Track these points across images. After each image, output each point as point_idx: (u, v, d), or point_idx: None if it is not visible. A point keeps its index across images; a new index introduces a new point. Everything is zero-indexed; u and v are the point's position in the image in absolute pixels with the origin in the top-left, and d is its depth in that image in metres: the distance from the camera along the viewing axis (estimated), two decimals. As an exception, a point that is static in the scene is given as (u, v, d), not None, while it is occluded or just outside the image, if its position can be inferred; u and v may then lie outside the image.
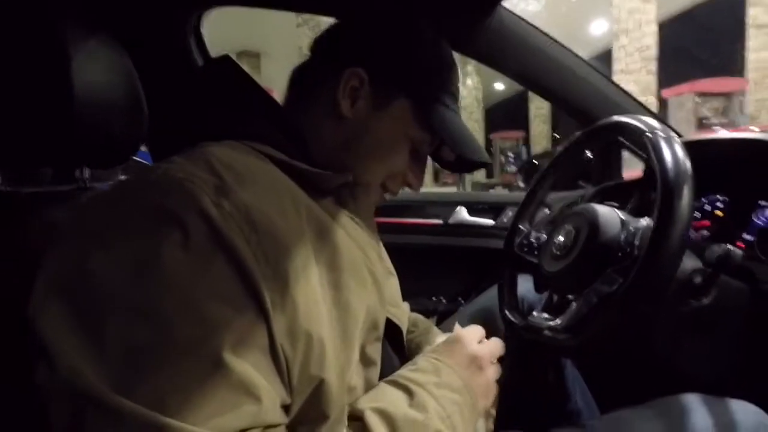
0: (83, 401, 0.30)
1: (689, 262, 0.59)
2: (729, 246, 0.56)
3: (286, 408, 0.38)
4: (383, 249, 0.70)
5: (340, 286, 0.43)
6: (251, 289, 0.35)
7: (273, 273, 0.37)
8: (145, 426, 0.30)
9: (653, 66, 6.98)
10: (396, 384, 0.47)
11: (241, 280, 0.35)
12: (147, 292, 0.32)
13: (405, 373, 0.49)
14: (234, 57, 0.54)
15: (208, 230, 0.34)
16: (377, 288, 0.49)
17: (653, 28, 6.94)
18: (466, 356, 0.52)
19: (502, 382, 0.58)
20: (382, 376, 0.50)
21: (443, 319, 0.96)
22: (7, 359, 0.38)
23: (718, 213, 0.79)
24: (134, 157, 0.61)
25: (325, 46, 0.57)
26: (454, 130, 0.55)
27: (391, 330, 0.59)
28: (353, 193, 0.52)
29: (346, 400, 0.43)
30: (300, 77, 0.57)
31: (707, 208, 0.80)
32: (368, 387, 0.48)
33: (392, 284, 0.67)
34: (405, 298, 0.75)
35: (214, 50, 0.99)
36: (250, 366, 0.33)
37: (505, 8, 0.97)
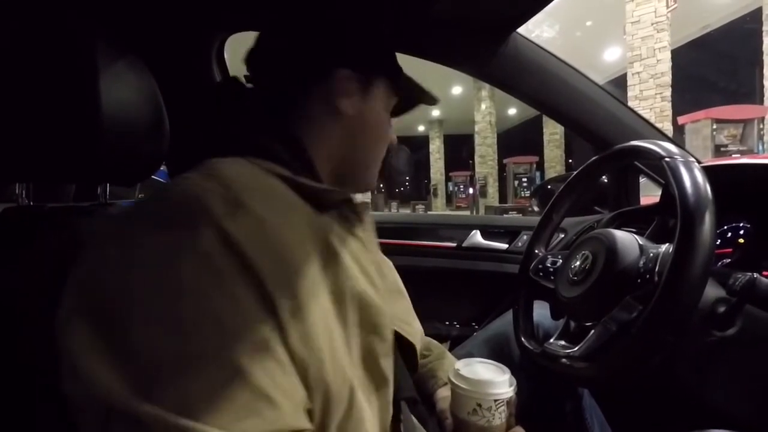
0: (108, 410, 0.31)
1: (712, 291, 0.57)
2: (754, 274, 0.54)
3: (310, 413, 0.38)
4: (389, 266, 0.69)
5: (343, 300, 0.44)
6: (264, 295, 0.36)
7: (286, 282, 0.38)
8: (172, 429, 0.30)
9: (668, 92, 6.96)
10: None
11: (254, 287, 0.36)
12: (167, 304, 0.34)
13: None
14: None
15: (223, 242, 0.36)
16: (376, 303, 0.48)
17: (667, 55, 6.95)
18: None
19: (517, 413, 0.56)
20: (397, 393, 0.50)
21: (457, 344, 0.94)
22: (30, 368, 0.38)
23: (740, 240, 0.77)
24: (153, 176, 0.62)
25: (292, 57, 0.55)
26: (417, 85, 0.61)
27: (405, 348, 0.58)
28: (355, 208, 0.52)
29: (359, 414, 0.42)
30: (275, 93, 0.55)
31: (729, 235, 0.78)
32: (382, 408, 0.47)
33: (402, 304, 0.66)
34: (417, 321, 0.74)
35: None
36: (267, 372, 0.35)
37: (519, 34, 0.99)
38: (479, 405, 0.51)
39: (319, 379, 0.38)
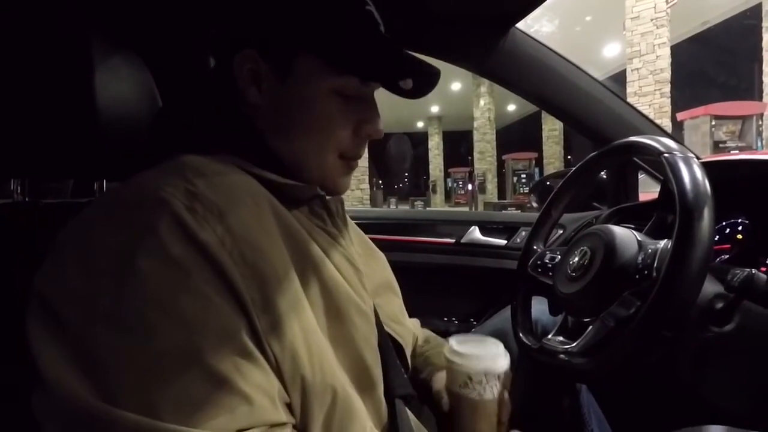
0: (74, 414, 0.31)
1: (710, 287, 0.57)
2: (752, 270, 0.54)
3: (289, 407, 0.38)
4: (380, 262, 0.67)
5: (311, 290, 0.43)
6: (230, 288, 0.36)
7: (252, 273, 0.37)
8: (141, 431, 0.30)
9: (667, 88, 6.96)
10: None
11: (220, 281, 0.35)
12: (128, 304, 0.33)
13: None
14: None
15: (182, 235, 0.35)
16: (346, 291, 0.47)
17: (666, 51, 6.95)
18: None
19: (515, 409, 0.56)
20: (391, 391, 0.50)
21: (455, 340, 0.94)
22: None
23: (739, 236, 0.77)
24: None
25: (217, 43, 0.52)
26: (376, 61, 0.48)
27: (395, 346, 0.57)
28: (325, 203, 0.51)
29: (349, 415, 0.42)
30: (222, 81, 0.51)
31: (727, 231, 0.78)
32: (375, 404, 0.47)
33: (393, 302, 0.65)
34: (416, 317, 0.74)
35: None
36: (237, 367, 0.34)
37: (519, 29, 0.98)
38: (470, 378, 0.51)
39: (295, 373, 0.38)
